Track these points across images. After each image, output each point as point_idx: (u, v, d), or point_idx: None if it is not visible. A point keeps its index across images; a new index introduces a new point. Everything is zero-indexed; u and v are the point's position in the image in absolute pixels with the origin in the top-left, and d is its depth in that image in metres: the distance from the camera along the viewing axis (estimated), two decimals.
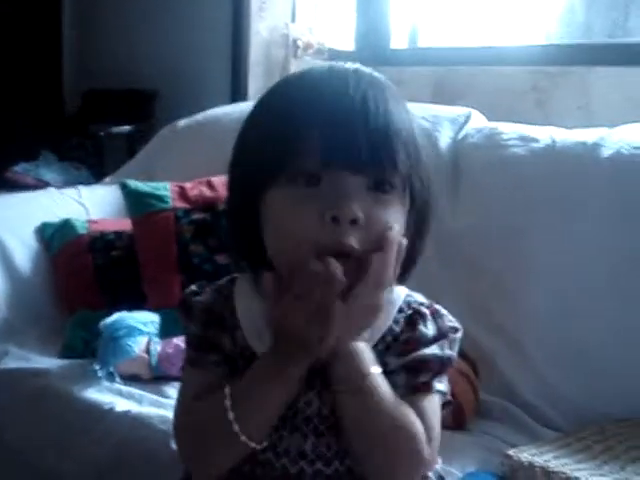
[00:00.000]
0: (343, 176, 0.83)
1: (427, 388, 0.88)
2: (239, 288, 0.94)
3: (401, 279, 0.91)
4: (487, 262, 1.76)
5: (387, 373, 0.87)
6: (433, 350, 0.88)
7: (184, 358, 0.96)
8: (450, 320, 0.92)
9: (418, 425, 0.85)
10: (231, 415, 0.85)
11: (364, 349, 0.86)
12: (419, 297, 0.94)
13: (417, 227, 0.90)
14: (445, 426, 0.91)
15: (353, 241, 0.82)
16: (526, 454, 1.26)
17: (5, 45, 3.40)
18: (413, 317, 0.90)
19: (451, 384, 0.93)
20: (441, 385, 0.89)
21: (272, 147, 0.85)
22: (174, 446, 1.38)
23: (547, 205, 1.70)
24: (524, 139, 1.80)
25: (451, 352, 0.90)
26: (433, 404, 0.89)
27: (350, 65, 0.92)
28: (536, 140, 1.78)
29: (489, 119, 2.03)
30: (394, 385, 0.87)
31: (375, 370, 0.85)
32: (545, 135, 1.79)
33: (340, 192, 0.83)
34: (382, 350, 0.89)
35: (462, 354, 1.56)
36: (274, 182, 0.85)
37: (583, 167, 1.69)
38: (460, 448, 1.37)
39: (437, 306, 0.92)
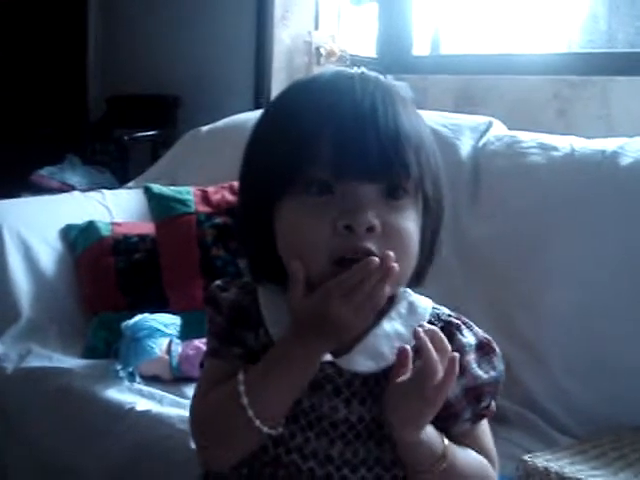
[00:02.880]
0: (356, 185, 0.83)
1: (488, 412, 0.91)
2: (263, 293, 0.94)
3: (419, 280, 0.92)
4: (507, 269, 1.77)
5: (447, 405, 0.87)
6: (486, 373, 0.89)
7: (206, 350, 0.96)
8: (482, 330, 0.93)
9: (486, 466, 0.90)
10: (245, 400, 0.84)
11: (429, 428, 0.87)
12: (445, 310, 0.94)
13: (432, 229, 0.90)
14: None
15: (370, 245, 0.82)
16: (541, 459, 1.27)
17: (31, 51, 3.45)
18: (448, 329, 0.89)
19: None
20: (495, 404, 0.92)
21: (283, 157, 0.85)
22: (193, 446, 1.41)
23: (567, 213, 1.71)
24: (544, 147, 1.81)
25: (500, 367, 0.91)
26: (485, 423, 0.92)
27: (355, 70, 0.92)
28: (556, 148, 1.79)
29: (511, 127, 2.04)
30: (461, 418, 0.89)
31: (446, 441, 0.87)
32: (565, 143, 1.80)
33: (354, 201, 0.83)
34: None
35: None
36: (287, 192, 0.85)
37: (602, 175, 1.69)
38: None
39: (465, 318, 0.93)
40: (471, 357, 0.89)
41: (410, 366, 0.84)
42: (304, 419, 0.88)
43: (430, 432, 0.86)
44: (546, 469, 1.25)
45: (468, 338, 0.90)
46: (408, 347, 0.84)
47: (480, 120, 2.02)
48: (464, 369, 0.87)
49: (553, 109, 2.77)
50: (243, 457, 0.89)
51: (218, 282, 0.98)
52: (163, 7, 3.28)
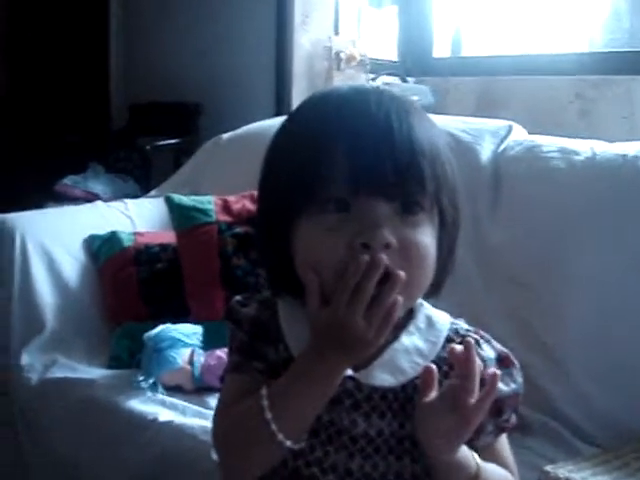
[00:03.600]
0: (372, 202, 0.83)
1: (509, 425, 0.92)
2: (283, 301, 0.95)
3: (436, 291, 0.92)
4: (527, 275, 1.76)
5: None
6: (507, 387, 0.90)
7: (227, 364, 0.97)
8: (501, 344, 0.93)
9: (511, 477, 0.92)
10: (268, 415, 0.84)
11: (463, 447, 0.87)
12: (463, 324, 0.94)
13: (449, 242, 0.90)
14: None
15: (385, 260, 0.82)
16: (563, 470, 1.26)
17: (54, 61, 3.49)
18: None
19: None
20: (515, 417, 0.92)
21: (298, 176, 0.86)
22: (215, 457, 1.42)
23: (588, 217, 1.70)
24: (564, 151, 1.80)
25: (520, 380, 0.92)
26: (504, 437, 0.93)
27: (372, 85, 0.94)
28: (576, 152, 1.78)
29: (532, 128, 2.02)
30: (484, 431, 0.90)
31: (478, 460, 0.88)
32: (586, 147, 1.79)
33: (370, 218, 0.83)
34: (440, 379, 0.88)
35: None
36: (304, 210, 0.86)
37: (623, 179, 1.68)
38: None
39: (482, 332, 0.94)
40: (495, 370, 0.88)
41: (436, 385, 0.84)
42: (324, 433, 0.89)
43: (464, 451, 0.87)
44: None
45: (487, 352, 0.91)
46: (433, 366, 0.85)
47: (500, 124, 2.01)
48: (485, 383, 0.87)
49: (575, 109, 2.75)
50: (264, 472, 0.89)
51: (238, 297, 0.99)
52: (183, 15, 3.30)
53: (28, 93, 3.52)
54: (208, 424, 1.50)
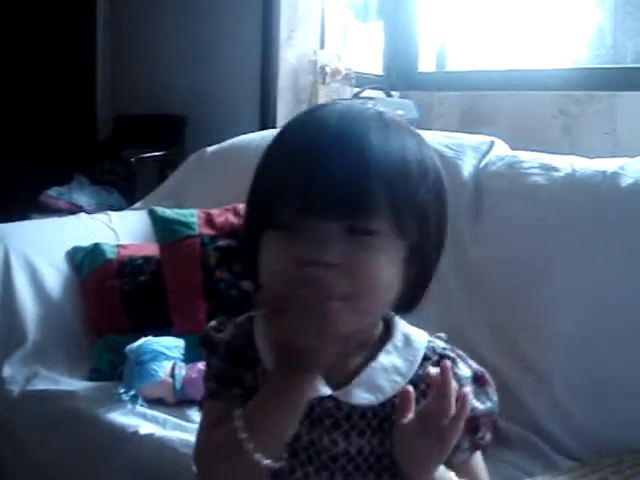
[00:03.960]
0: (321, 222, 0.84)
1: (484, 442, 0.93)
2: (258, 324, 0.95)
3: (406, 309, 0.93)
4: (508, 290, 1.76)
5: None
6: (482, 405, 0.91)
7: (204, 391, 0.97)
8: (476, 363, 0.95)
9: None
10: (243, 435, 0.85)
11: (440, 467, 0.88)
12: (440, 342, 0.95)
13: (421, 268, 0.90)
14: None
15: (330, 279, 0.82)
16: None
17: (40, 71, 3.49)
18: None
19: None
20: (490, 435, 0.94)
21: (259, 197, 0.90)
22: (195, 469, 1.42)
23: (567, 234, 1.71)
24: (545, 167, 1.81)
25: (495, 399, 0.94)
26: (479, 454, 0.95)
27: (361, 104, 0.93)
28: (556, 169, 1.79)
29: (516, 143, 2.04)
30: (460, 449, 0.90)
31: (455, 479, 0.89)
32: (566, 164, 1.80)
33: (317, 237, 0.84)
34: (417, 397, 0.88)
35: None
36: (263, 229, 0.89)
37: (602, 196, 1.69)
38: None
39: (458, 350, 0.95)
40: (467, 389, 0.89)
41: (413, 407, 0.85)
42: (303, 454, 0.90)
43: (442, 472, 0.88)
44: None
45: (463, 371, 0.92)
46: (410, 388, 0.86)
47: (482, 140, 2.03)
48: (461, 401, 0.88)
49: (559, 125, 2.78)
50: None
51: (213, 323, 1.01)
52: (170, 28, 3.31)
53: (13, 104, 3.51)
54: (189, 437, 1.51)
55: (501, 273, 1.78)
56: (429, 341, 0.94)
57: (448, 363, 0.85)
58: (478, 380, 0.93)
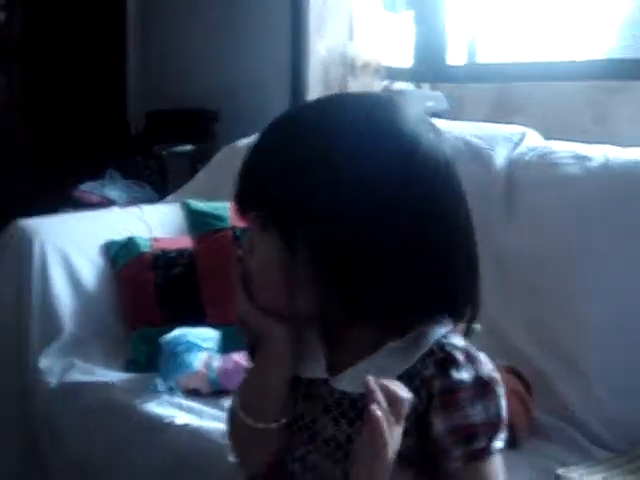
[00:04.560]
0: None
1: (485, 453, 0.88)
2: None
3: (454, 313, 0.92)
4: (542, 280, 1.76)
5: (434, 440, 0.87)
6: (479, 414, 0.87)
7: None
8: (489, 368, 0.89)
9: None
10: (237, 402, 0.98)
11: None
12: (457, 340, 0.91)
13: (322, 269, 0.88)
14: None
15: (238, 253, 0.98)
16: (575, 474, 1.27)
17: (72, 67, 3.52)
18: (444, 362, 0.88)
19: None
20: (500, 442, 0.89)
21: None
22: (231, 459, 1.44)
23: (601, 223, 1.70)
24: (578, 157, 1.81)
25: (499, 409, 0.88)
26: (494, 465, 0.89)
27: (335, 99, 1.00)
28: (590, 159, 1.79)
29: (548, 135, 2.03)
30: (451, 455, 0.87)
31: None
32: (599, 153, 1.80)
33: None
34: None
35: (516, 373, 1.58)
36: None
37: (636, 185, 1.69)
38: (511, 467, 1.36)
39: (474, 352, 0.90)
40: (463, 395, 0.87)
41: (380, 399, 0.80)
42: (305, 432, 0.94)
43: None
44: None
45: (463, 375, 0.87)
46: (370, 378, 0.81)
47: (514, 130, 2.02)
48: (452, 406, 0.87)
49: (591, 116, 2.75)
50: (263, 463, 0.97)
51: None
52: (200, 22, 3.32)
53: (45, 99, 3.55)
54: (224, 427, 1.52)
55: (534, 263, 1.78)
56: (442, 336, 0.90)
57: (377, 415, 0.79)
58: (481, 387, 0.88)
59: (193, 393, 1.72)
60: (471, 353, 0.89)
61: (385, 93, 2.75)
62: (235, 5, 3.19)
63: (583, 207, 1.75)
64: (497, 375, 0.90)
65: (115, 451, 1.71)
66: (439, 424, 0.87)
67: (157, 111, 3.36)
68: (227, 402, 1.66)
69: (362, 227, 0.87)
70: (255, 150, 0.94)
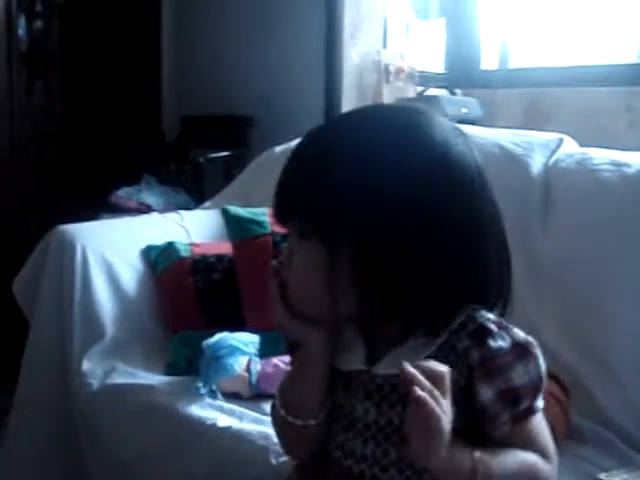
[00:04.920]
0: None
1: (531, 412, 0.93)
2: None
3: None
4: (578, 285, 1.77)
5: (482, 410, 0.91)
6: (521, 376, 0.91)
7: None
8: (523, 334, 0.93)
9: (533, 462, 0.93)
10: (278, 402, 1.04)
11: (455, 449, 0.88)
12: (489, 315, 0.94)
13: (363, 272, 0.93)
14: None
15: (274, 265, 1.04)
16: (618, 478, 1.27)
17: (108, 74, 3.57)
18: (478, 333, 0.92)
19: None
20: (541, 401, 0.94)
21: None
22: (273, 461, 1.46)
23: (637, 229, 1.71)
24: (615, 164, 1.81)
25: (539, 369, 0.93)
26: (539, 422, 0.95)
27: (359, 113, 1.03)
28: (628, 165, 1.79)
29: (581, 140, 2.04)
30: (498, 421, 0.91)
31: (477, 455, 0.90)
32: (637, 159, 1.80)
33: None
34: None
35: (553, 376, 1.59)
36: None
37: None
38: None
39: (505, 322, 0.94)
40: (503, 360, 0.91)
41: (419, 379, 0.84)
42: (344, 420, 0.99)
43: (456, 453, 0.89)
44: None
45: (499, 343, 0.91)
46: (405, 363, 0.86)
47: (551, 137, 2.03)
48: (494, 372, 0.91)
49: (625, 121, 2.75)
50: (306, 452, 1.05)
51: None
52: (235, 28, 3.35)
53: (82, 106, 3.59)
54: (265, 429, 1.55)
55: (571, 269, 1.79)
56: (472, 309, 0.94)
57: (420, 395, 0.83)
58: (518, 351, 0.92)
59: (234, 396, 1.74)
60: (503, 323, 0.94)
61: (416, 102, 2.77)
62: (270, 12, 3.22)
63: (619, 213, 1.75)
64: (532, 339, 0.94)
65: (157, 453, 1.73)
66: (485, 392, 0.91)
67: (192, 117, 3.40)
68: (267, 405, 1.68)
69: (402, 229, 0.92)
70: (294, 159, 0.99)
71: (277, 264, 1.02)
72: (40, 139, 3.47)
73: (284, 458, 1.42)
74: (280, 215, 1.01)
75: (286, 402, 1.03)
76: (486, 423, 0.92)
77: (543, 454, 0.94)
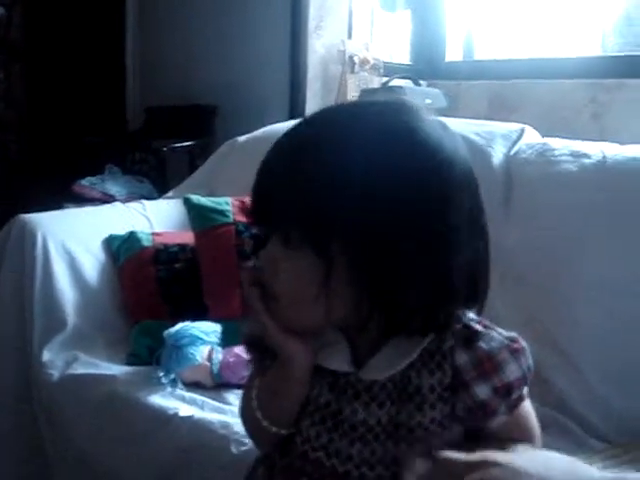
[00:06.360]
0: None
1: (521, 400, 0.96)
2: None
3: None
4: (539, 276, 1.78)
5: (482, 405, 0.93)
6: (515, 371, 0.93)
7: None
8: (505, 330, 0.95)
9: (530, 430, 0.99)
10: (254, 404, 1.00)
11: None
12: (471, 314, 0.96)
13: (361, 280, 0.90)
14: None
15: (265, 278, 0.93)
16: None
17: (71, 64, 3.53)
18: (465, 334, 0.93)
19: None
20: (524, 390, 0.96)
21: None
22: (234, 450, 1.46)
23: (598, 220, 1.72)
24: (575, 154, 1.83)
25: (527, 361, 0.94)
26: (527, 406, 0.98)
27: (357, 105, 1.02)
28: (587, 156, 1.81)
29: (545, 132, 2.05)
30: (497, 412, 0.93)
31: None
32: (596, 150, 1.82)
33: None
34: (433, 369, 0.92)
35: None
36: None
37: (634, 183, 1.71)
38: None
39: (486, 321, 0.95)
40: (496, 360, 0.92)
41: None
42: (330, 421, 0.96)
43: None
44: None
45: (491, 343, 0.93)
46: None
47: (512, 127, 2.04)
48: (490, 372, 0.92)
49: (589, 113, 2.77)
50: (272, 445, 1.02)
51: None
52: (199, 18, 3.34)
53: (44, 95, 3.56)
54: (227, 419, 1.55)
55: (532, 260, 1.80)
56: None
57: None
58: (508, 349, 0.93)
59: (195, 386, 1.74)
60: (485, 322, 0.95)
61: (396, 98, 2.76)
62: (234, 2, 3.21)
63: (580, 204, 1.77)
64: (514, 333, 0.96)
65: (119, 443, 1.71)
66: (483, 390, 0.92)
67: (156, 107, 3.37)
68: (229, 395, 1.70)
69: (396, 232, 0.88)
70: (270, 169, 0.93)
71: (254, 271, 0.95)
72: (2, 128, 3.43)
73: (245, 447, 1.43)
74: (261, 225, 0.96)
75: (263, 407, 1.00)
76: (488, 416, 0.94)
77: (531, 437, 0.98)
